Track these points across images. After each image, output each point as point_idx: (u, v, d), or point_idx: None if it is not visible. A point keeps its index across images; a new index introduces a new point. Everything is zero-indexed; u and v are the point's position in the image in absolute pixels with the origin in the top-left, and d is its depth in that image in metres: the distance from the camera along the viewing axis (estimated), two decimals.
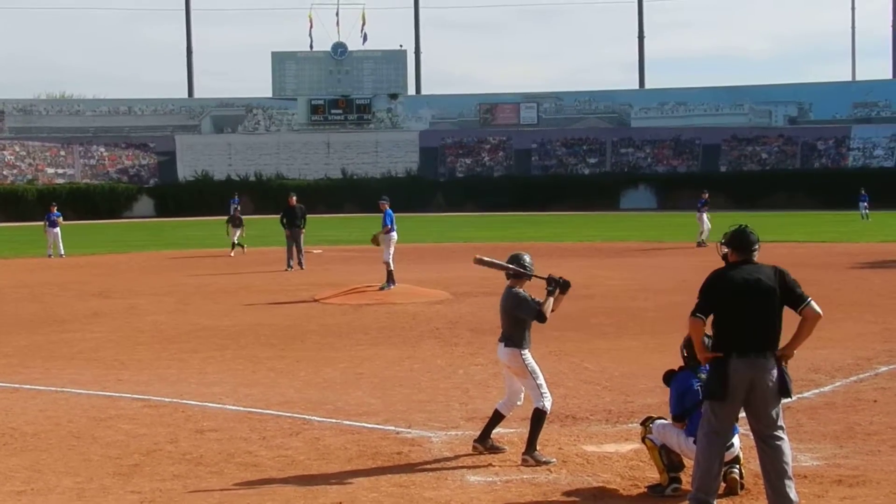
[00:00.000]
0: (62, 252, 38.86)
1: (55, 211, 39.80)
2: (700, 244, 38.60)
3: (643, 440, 9.05)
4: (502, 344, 9.93)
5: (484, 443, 9.93)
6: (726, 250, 8.34)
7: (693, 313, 8.10)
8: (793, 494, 7.88)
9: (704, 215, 39.54)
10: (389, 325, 19.18)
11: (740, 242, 8.20)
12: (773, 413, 7.98)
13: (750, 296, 7.94)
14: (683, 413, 8.79)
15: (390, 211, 25.45)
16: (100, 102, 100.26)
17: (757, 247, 8.21)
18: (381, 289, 24.03)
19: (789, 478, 7.91)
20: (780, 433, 7.98)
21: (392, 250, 24.80)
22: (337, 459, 9.80)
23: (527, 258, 10.05)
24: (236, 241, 38.40)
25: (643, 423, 9.14)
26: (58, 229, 39.05)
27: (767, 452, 7.98)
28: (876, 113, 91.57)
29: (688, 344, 8.88)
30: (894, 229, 47.23)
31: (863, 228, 49.93)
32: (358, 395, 12.81)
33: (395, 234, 25.18)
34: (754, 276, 8.01)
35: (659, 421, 8.97)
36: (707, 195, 41.42)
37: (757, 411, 8.03)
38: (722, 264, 8.28)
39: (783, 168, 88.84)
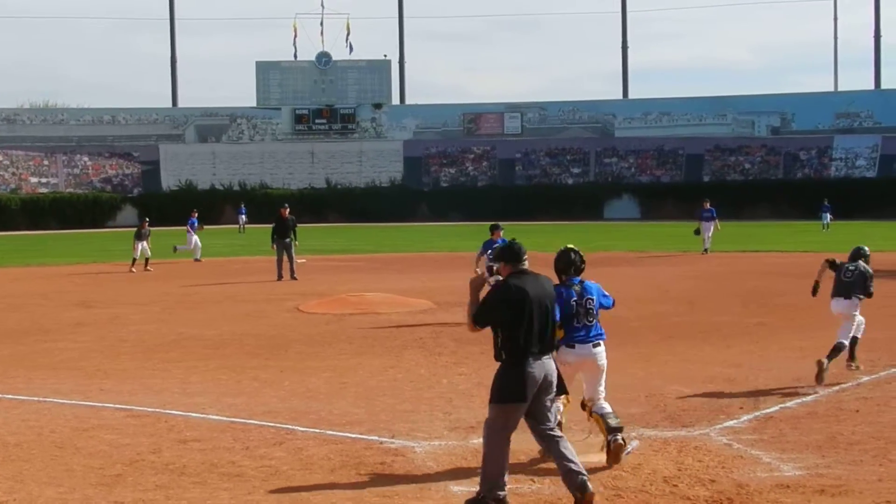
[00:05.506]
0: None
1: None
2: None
3: (590, 415, 10.05)
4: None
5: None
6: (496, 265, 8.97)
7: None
8: (580, 468, 8.48)
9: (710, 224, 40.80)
10: (373, 335, 19.18)
11: (511, 255, 8.75)
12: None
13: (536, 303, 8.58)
14: (562, 322, 9.66)
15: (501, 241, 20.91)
16: (83, 112, 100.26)
17: (526, 257, 8.81)
18: None
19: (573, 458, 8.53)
20: (555, 428, 8.81)
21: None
22: (320, 469, 9.79)
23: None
24: (137, 257, 36.13)
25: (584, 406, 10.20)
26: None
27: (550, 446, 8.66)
28: (858, 123, 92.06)
29: (559, 258, 10.28)
30: (875, 240, 47.39)
31: (827, 239, 50.04)
32: (342, 404, 12.79)
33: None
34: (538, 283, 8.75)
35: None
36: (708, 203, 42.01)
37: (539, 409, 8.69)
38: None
39: (766, 178, 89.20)
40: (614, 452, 9.69)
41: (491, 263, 9.01)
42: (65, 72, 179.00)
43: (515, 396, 8.52)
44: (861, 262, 14.67)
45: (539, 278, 8.82)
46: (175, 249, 41.27)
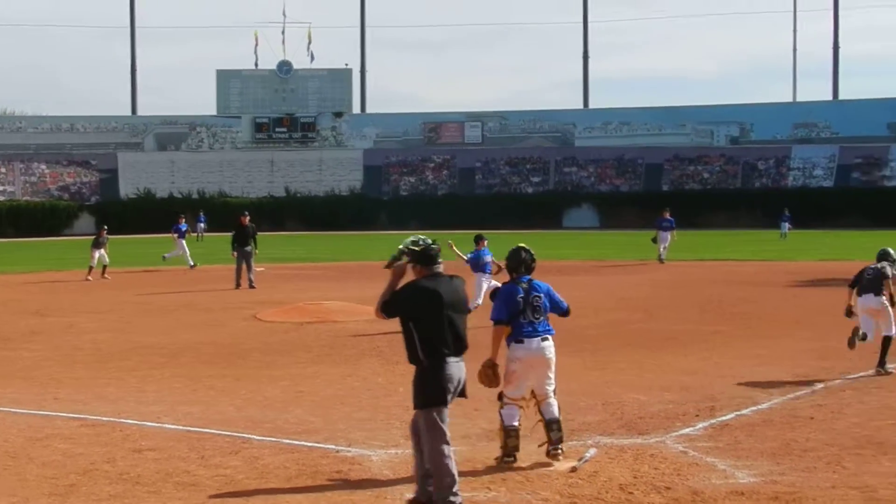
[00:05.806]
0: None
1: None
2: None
3: (538, 410, 10.26)
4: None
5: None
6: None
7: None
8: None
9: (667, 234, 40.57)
10: (331, 343, 19.14)
11: (425, 258, 8.86)
12: None
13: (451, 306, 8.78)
14: (509, 318, 10.02)
15: (484, 251, 22.13)
16: (41, 119, 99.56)
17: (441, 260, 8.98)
18: None
19: None
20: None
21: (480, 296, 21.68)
22: (276, 478, 9.74)
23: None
24: (94, 265, 35.59)
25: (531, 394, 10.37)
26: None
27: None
28: (816, 134, 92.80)
29: (510, 257, 10.43)
30: (832, 248, 47.88)
31: (785, 248, 50.49)
32: (298, 413, 12.75)
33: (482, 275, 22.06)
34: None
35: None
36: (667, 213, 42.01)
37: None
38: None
39: (724, 187, 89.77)
40: (552, 458, 10.05)
41: (397, 256, 8.96)
42: (21, 79, 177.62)
43: (438, 399, 8.66)
44: (882, 264, 15.32)
45: (453, 281, 8.97)
46: (164, 258, 41.53)
